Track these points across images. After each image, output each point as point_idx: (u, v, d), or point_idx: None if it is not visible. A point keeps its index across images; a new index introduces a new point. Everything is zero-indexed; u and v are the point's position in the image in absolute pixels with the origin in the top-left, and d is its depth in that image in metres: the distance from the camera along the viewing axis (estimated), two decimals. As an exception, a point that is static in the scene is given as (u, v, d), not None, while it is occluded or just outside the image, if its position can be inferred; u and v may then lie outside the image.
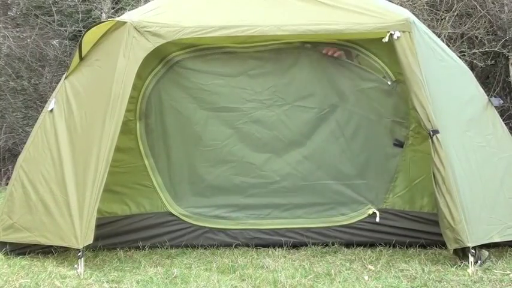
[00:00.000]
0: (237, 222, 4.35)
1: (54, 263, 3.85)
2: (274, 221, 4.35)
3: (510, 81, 8.16)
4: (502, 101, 4.57)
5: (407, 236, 4.24)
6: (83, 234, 3.57)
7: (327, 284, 3.44)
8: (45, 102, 5.09)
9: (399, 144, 4.31)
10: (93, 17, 8.94)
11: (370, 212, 4.30)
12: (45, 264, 3.82)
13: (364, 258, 3.98)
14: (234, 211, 4.39)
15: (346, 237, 4.31)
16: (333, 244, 4.29)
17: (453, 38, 7.86)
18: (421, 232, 4.24)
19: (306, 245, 4.29)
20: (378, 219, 4.27)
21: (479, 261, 3.73)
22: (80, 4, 8.93)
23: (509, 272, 3.65)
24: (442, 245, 3.95)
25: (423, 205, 4.28)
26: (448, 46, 5.71)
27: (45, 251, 4.02)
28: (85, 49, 4.02)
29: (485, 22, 7.88)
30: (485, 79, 8.25)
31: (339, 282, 3.47)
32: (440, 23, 7.75)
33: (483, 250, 3.82)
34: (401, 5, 6.56)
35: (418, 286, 3.41)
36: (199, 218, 4.34)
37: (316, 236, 4.33)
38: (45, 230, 3.79)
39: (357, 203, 4.34)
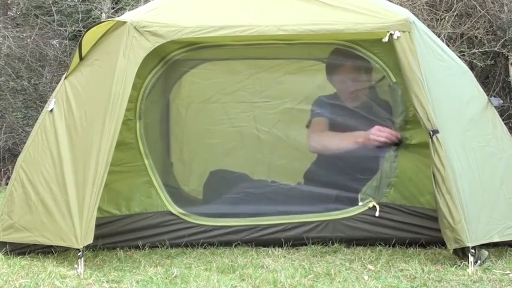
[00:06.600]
0: (237, 220, 4.34)
1: (54, 263, 3.85)
2: (274, 217, 4.33)
3: (510, 81, 8.16)
4: (501, 101, 4.57)
5: (407, 230, 4.24)
6: (83, 234, 3.56)
7: (327, 284, 3.44)
8: (45, 102, 5.10)
9: (398, 141, 4.30)
10: (93, 17, 8.94)
11: (371, 205, 4.29)
12: (45, 264, 3.81)
13: (364, 258, 3.98)
14: (234, 209, 4.39)
15: (346, 231, 4.30)
16: (333, 244, 4.29)
17: (453, 38, 7.87)
18: (422, 227, 4.22)
19: (306, 244, 4.29)
20: (377, 214, 4.26)
21: (479, 261, 3.72)
22: (80, 4, 8.93)
23: (508, 272, 3.65)
24: (442, 243, 3.95)
25: (423, 201, 4.27)
26: (448, 46, 5.71)
27: (45, 251, 4.02)
28: (85, 49, 4.01)
29: (484, 22, 7.89)
30: (484, 79, 8.26)
31: (339, 282, 3.47)
32: (440, 23, 7.75)
33: (483, 250, 3.81)
34: (401, 5, 6.55)
35: (417, 286, 3.41)
36: (199, 217, 4.33)
37: (316, 229, 4.32)
38: (45, 230, 3.78)
39: (358, 197, 4.34)
